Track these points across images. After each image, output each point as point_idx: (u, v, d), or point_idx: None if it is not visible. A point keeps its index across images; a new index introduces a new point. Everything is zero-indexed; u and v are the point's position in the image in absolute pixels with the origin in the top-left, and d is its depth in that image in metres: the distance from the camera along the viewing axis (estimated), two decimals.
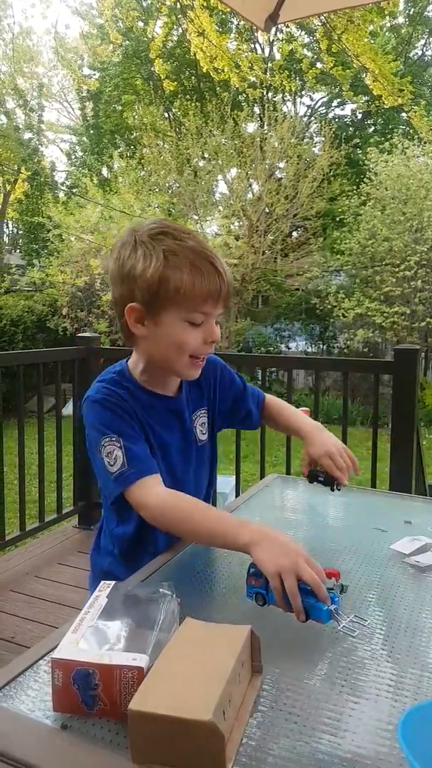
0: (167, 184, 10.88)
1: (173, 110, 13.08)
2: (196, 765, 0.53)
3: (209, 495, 1.23)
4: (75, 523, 3.19)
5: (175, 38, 12.65)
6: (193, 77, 14.00)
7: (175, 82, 11.14)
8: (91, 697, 0.59)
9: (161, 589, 0.74)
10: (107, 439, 0.97)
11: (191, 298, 0.96)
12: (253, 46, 12.99)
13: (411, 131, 8.68)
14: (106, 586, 0.74)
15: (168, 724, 0.53)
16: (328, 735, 0.60)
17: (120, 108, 14.30)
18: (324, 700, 0.65)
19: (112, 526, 1.11)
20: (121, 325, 1.04)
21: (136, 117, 13.03)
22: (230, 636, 0.65)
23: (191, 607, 0.85)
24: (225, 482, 3.25)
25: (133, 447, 0.97)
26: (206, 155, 10.38)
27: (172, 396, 1.11)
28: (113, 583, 0.75)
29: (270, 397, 1.28)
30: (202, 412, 1.16)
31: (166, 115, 13.21)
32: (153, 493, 0.94)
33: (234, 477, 2.81)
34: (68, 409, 4.19)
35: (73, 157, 16.06)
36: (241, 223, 10.36)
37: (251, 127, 11.42)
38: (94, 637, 0.63)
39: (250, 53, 9.40)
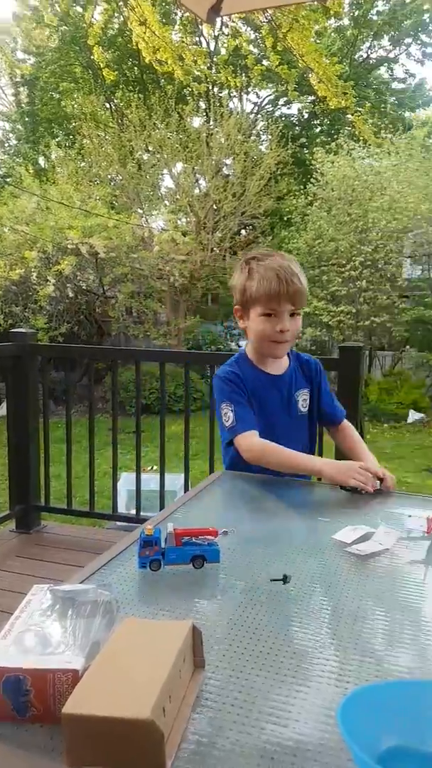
0: (109, 176, 10.60)
1: (115, 101, 12.80)
2: (135, 764, 0.52)
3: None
4: (12, 527, 3.05)
5: (116, 26, 12.32)
6: (135, 68, 13.72)
7: (117, 72, 10.87)
8: (23, 703, 0.57)
9: (99, 590, 0.72)
10: (225, 404, 1.46)
11: (260, 299, 1.42)
12: (197, 39, 12.91)
13: (356, 133, 8.89)
14: (38, 589, 0.72)
15: (104, 724, 0.51)
16: (272, 725, 0.59)
17: (58, 96, 13.82)
18: (268, 690, 0.65)
19: (228, 453, 1.56)
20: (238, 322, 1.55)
21: (75, 106, 12.59)
22: (171, 632, 0.64)
23: (131, 607, 0.83)
24: (174, 480, 3.22)
25: (240, 411, 1.44)
26: (150, 148, 10.21)
27: (277, 374, 1.54)
28: (46, 586, 0.73)
29: (347, 423, 1.65)
30: (305, 391, 1.57)
31: (108, 105, 12.91)
32: (250, 441, 1.41)
33: (183, 475, 2.79)
34: (3, 410, 3.95)
35: (6, 145, 15.46)
36: (188, 219, 10.32)
37: (197, 122, 11.36)
38: (26, 641, 0.61)
39: (194, 47, 9.35)
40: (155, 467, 3.03)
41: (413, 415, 8.11)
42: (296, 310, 1.45)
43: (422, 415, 8.13)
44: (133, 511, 2.96)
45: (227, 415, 1.46)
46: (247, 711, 0.62)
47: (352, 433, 1.62)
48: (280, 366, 1.56)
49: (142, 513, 2.83)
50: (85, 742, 0.52)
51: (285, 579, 0.89)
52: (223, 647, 0.73)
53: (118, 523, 3.14)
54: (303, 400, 1.57)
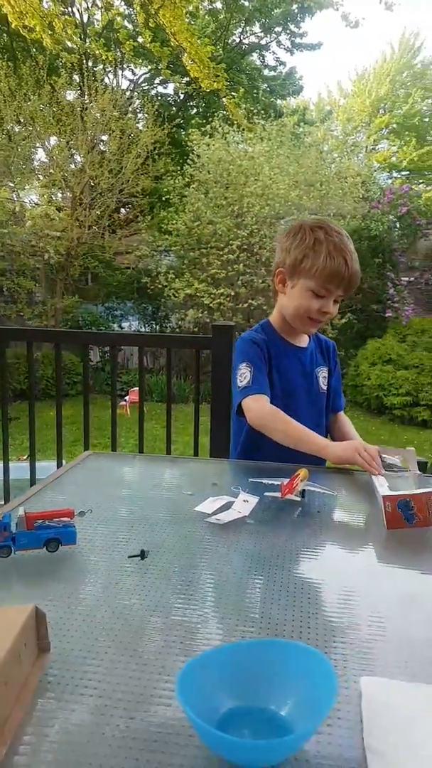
0: None
1: None
2: None
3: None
4: None
5: None
6: (5, 35, 12.79)
7: None
8: None
9: None
10: (244, 365, 1.42)
11: (319, 276, 1.35)
12: (69, 9, 12.27)
13: (230, 116, 9.02)
14: None
15: None
16: (122, 709, 0.59)
17: None
18: (121, 674, 0.64)
19: (235, 430, 1.55)
20: (272, 283, 1.48)
21: None
22: (10, 616, 0.62)
23: None
24: (50, 468, 3.10)
25: (258, 374, 1.41)
26: (21, 119, 9.60)
27: (301, 347, 1.52)
28: None
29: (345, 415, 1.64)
30: (324, 369, 1.56)
31: None
32: (261, 404, 1.37)
33: (56, 462, 2.70)
34: None
35: None
36: (63, 194, 9.86)
37: (70, 96, 10.85)
38: None
39: (65, 16, 8.86)
40: (25, 457, 2.90)
41: None
42: (344, 297, 1.42)
43: None
44: (3, 503, 2.82)
45: (244, 375, 1.41)
46: (101, 692, 0.61)
47: (349, 424, 1.60)
48: (302, 340, 1.53)
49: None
50: None
51: (143, 554, 0.89)
52: (77, 629, 0.72)
53: None
54: (323, 377, 1.55)
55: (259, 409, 1.36)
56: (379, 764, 0.52)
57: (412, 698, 0.61)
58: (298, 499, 1.15)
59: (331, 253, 1.33)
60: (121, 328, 10.26)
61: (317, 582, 0.86)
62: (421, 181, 17.60)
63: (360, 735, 0.56)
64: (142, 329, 10.28)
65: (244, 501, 1.12)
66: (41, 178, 10.00)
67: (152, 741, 0.54)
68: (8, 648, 0.56)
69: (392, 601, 0.80)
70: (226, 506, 1.10)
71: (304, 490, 1.16)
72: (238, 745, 0.52)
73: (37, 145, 9.79)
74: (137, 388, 2.98)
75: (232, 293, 8.51)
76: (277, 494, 1.14)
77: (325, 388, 1.54)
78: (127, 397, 7.35)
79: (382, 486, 1.11)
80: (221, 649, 0.63)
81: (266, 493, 1.16)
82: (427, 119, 18.94)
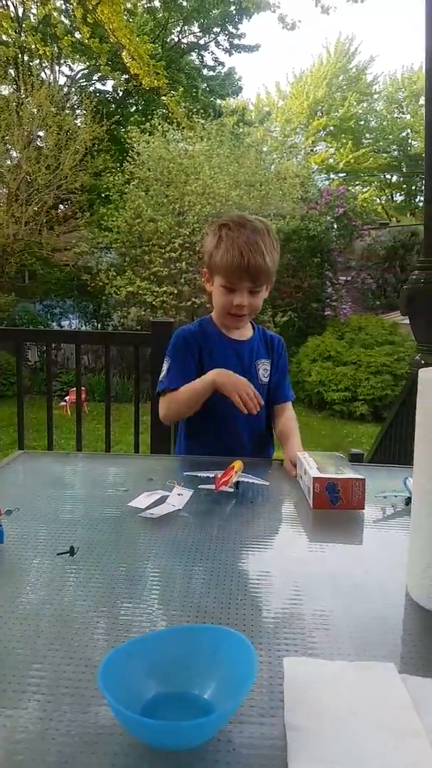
0: None
1: None
2: None
3: (269, 430, 1.59)
4: None
5: None
6: None
7: None
8: None
9: None
10: (166, 358, 1.49)
11: (223, 271, 1.40)
12: (3, 2, 11.87)
13: (170, 114, 9.01)
14: None
15: None
16: (73, 698, 0.59)
17: None
18: (62, 669, 0.64)
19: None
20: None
21: None
22: None
23: None
24: None
25: (174, 370, 1.46)
26: None
27: (240, 340, 1.53)
28: None
29: (290, 405, 1.61)
30: (266, 361, 1.56)
31: None
32: (165, 404, 1.47)
33: None
34: None
35: None
36: (0, 189, 9.53)
37: (6, 90, 10.52)
38: None
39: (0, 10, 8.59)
40: None
41: None
42: (256, 288, 1.42)
43: None
44: None
45: (164, 369, 1.49)
46: (33, 686, 0.60)
47: (290, 418, 1.57)
48: (242, 333, 1.55)
49: None
50: None
51: (72, 551, 0.89)
52: (7, 628, 0.70)
53: None
54: (264, 369, 1.55)
55: (164, 408, 1.48)
56: (298, 741, 0.54)
57: (333, 675, 0.63)
58: (231, 490, 1.17)
59: (229, 248, 1.37)
60: (61, 326, 10.01)
61: (247, 568, 0.88)
62: (357, 182, 18.21)
63: (282, 714, 0.57)
64: (83, 328, 10.09)
65: (179, 494, 1.13)
66: None
67: (95, 735, 0.54)
68: None
69: (317, 582, 0.83)
70: (161, 500, 1.11)
71: (238, 482, 1.19)
72: (159, 728, 0.52)
73: None
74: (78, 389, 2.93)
75: (175, 291, 8.49)
76: (211, 487, 1.15)
77: (265, 380, 1.55)
78: (67, 398, 7.21)
79: (312, 468, 1.15)
80: (145, 637, 0.63)
81: (200, 486, 1.17)
82: (362, 122, 19.60)
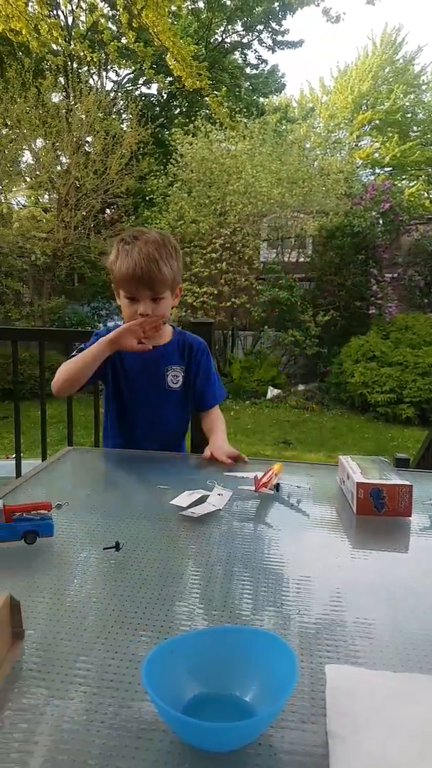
0: None
1: None
2: None
3: (183, 432, 1.69)
4: None
5: None
6: None
7: None
8: None
9: None
10: (79, 346, 1.53)
11: (120, 282, 1.46)
12: (54, 12, 12.22)
13: (213, 115, 9.04)
14: None
15: None
16: (109, 698, 0.60)
17: None
18: (100, 663, 0.65)
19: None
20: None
21: None
22: None
23: None
24: (32, 466, 3.09)
25: (77, 352, 1.49)
26: (8, 122, 9.58)
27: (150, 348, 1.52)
28: None
29: (217, 408, 1.67)
30: (177, 368, 1.60)
31: None
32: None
33: (41, 459, 2.69)
34: None
35: None
36: (50, 195, 9.82)
37: (56, 98, 10.82)
38: None
39: (50, 19, 8.83)
40: (11, 456, 2.89)
41: (271, 392, 8.59)
42: (156, 296, 1.45)
43: (279, 391, 8.63)
44: None
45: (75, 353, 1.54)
46: (79, 678, 0.61)
47: (216, 418, 1.63)
48: (158, 340, 1.57)
49: None
50: None
51: (117, 546, 0.90)
52: (55, 618, 0.72)
53: None
54: (173, 375, 1.59)
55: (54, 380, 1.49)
56: (341, 750, 0.53)
57: (376, 686, 0.62)
58: (272, 492, 1.16)
59: (125, 260, 1.43)
60: (106, 326, 10.20)
61: (287, 572, 0.87)
62: (403, 177, 17.74)
63: (324, 721, 0.57)
64: None
65: (219, 494, 1.13)
66: (28, 180, 9.96)
67: (138, 729, 0.55)
68: None
69: (360, 589, 0.82)
70: (201, 500, 1.11)
71: (278, 484, 1.18)
72: (203, 728, 0.53)
73: (24, 147, 9.77)
74: None
75: (215, 291, 8.52)
76: (251, 488, 1.15)
77: (176, 385, 1.59)
78: None
79: (356, 473, 1.14)
80: (187, 636, 0.64)
81: (240, 487, 1.17)
82: (409, 115, 19.09)
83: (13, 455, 2.92)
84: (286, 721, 0.57)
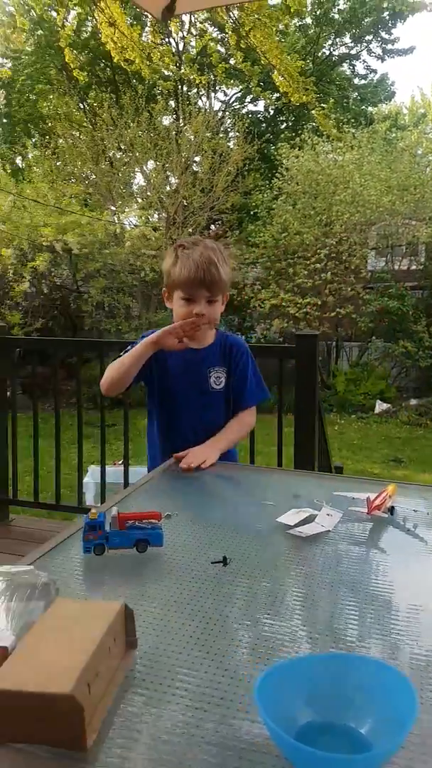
0: (83, 175, 10.68)
1: (88, 101, 12.80)
2: (57, 739, 0.54)
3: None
4: None
5: (90, 29, 12.41)
6: (108, 69, 13.77)
7: (89, 73, 10.82)
8: None
9: (37, 572, 0.73)
10: (127, 348, 1.57)
11: (180, 284, 1.53)
12: (166, 40, 12.89)
13: (319, 127, 9.00)
14: None
15: (27, 699, 0.53)
16: (212, 714, 0.61)
17: (34, 97, 13.87)
18: (205, 678, 0.66)
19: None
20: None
21: (50, 107, 12.70)
22: (101, 611, 0.66)
23: (75, 591, 0.85)
24: (141, 473, 3.22)
25: (124, 353, 1.54)
26: (122, 146, 10.25)
27: (194, 348, 1.59)
28: None
29: (248, 411, 1.68)
30: (219, 369, 1.63)
31: (81, 105, 12.92)
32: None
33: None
34: None
35: None
36: (159, 214, 10.31)
37: (167, 121, 11.37)
38: None
39: (162, 46, 9.33)
40: (120, 462, 3.04)
41: (380, 406, 8.24)
42: (212, 298, 1.54)
43: (388, 405, 8.27)
44: (100, 504, 2.98)
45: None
46: (190, 695, 0.63)
47: (235, 421, 1.64)
48: (200, 342, 1.63)
49: None
50: (7, 717, 0.53)
51: (225, 561, 0.91)
52: (162, 629, 0.75)
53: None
54: (216, 377, 1.63)
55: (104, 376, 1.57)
56: None
57: None
58: (386, 516, 1.11)
59: (184, 263, 1.51)
60: None
61: (396, 599, 0.83)
62: None
63: None
64: None
65: (328, 515, 1.11)
66: (139, 200, 10.56)
67: (240, 749, 0.55)
68: (99, 641, 0.60)
69: None
70: (309, 519, 1.09)
71: (392, 507, 1.13)
72: (324, 759, 0.51)
73: (136, 169, 10.38)
74: None
75: (319, 302, 8.41)
76: (363, 510, 1.11)
77: (219, 386, 1.62)
78: None
79: None
80: (299, 660, 0.63)
81: (351, 508, 1.14)
82: None
83: (120, 461, 3.07)
84: (398, 757, 0.54)
